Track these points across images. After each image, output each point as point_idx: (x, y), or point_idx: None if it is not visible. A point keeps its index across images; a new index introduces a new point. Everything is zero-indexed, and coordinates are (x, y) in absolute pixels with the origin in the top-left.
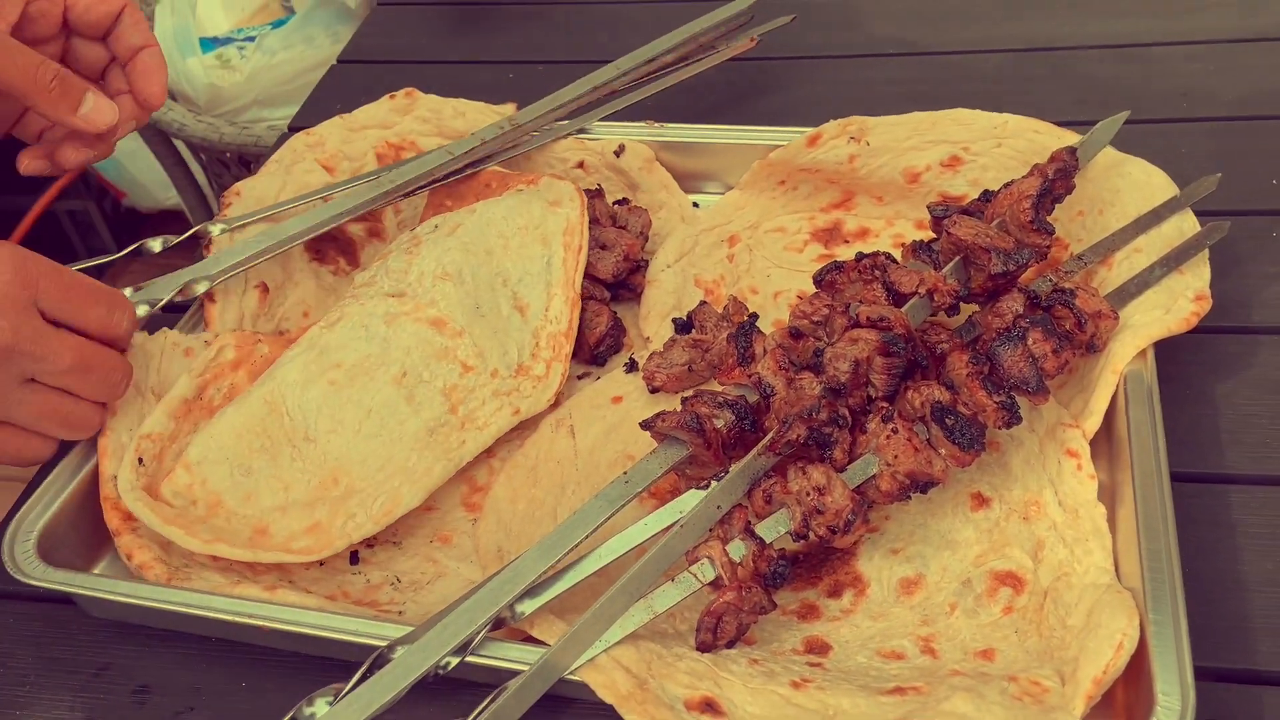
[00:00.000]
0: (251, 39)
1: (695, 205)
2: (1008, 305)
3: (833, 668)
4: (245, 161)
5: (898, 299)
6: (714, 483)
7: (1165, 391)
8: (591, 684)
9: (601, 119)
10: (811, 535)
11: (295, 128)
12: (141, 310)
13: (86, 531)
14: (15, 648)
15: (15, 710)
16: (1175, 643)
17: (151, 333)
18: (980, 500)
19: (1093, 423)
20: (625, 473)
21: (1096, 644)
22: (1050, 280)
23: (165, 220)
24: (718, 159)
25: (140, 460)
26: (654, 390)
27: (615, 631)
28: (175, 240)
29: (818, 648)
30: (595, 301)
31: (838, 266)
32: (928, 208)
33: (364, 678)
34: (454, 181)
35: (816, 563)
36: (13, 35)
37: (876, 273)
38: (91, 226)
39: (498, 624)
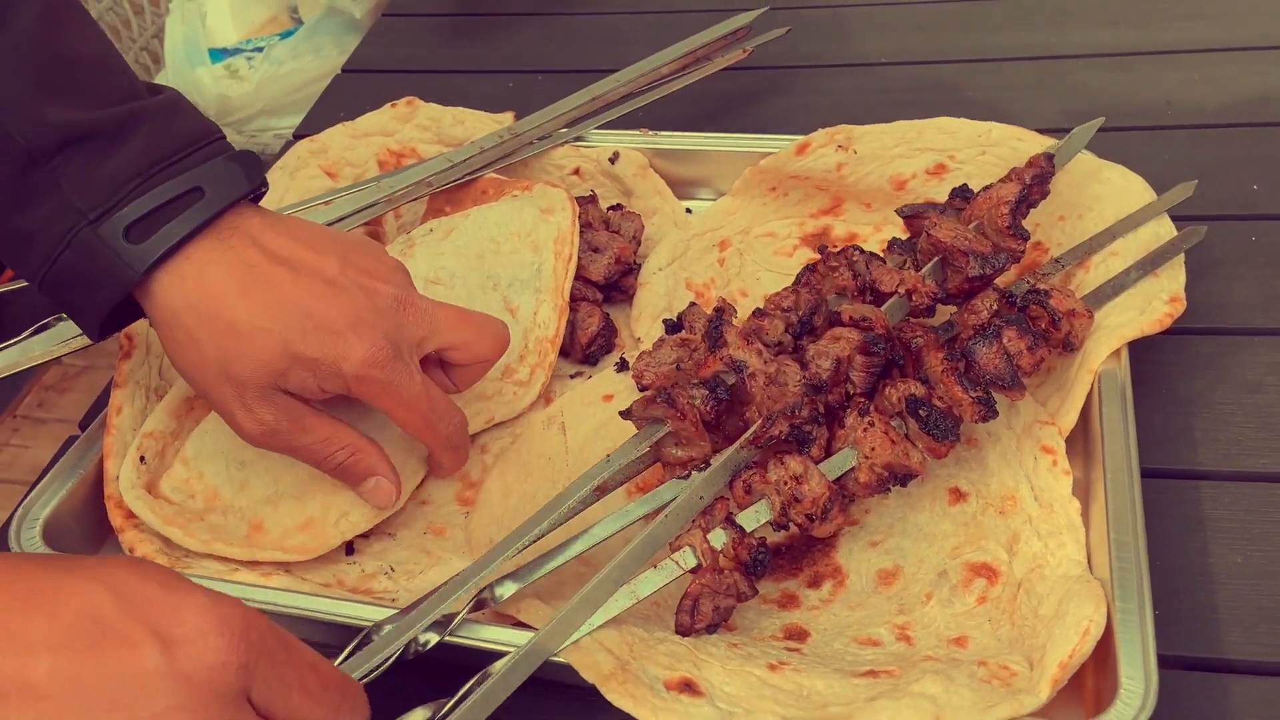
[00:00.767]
0: (260, 50)
1: (688, 211)
2: (982, 303)
3: (810, 653)
4: None
5: (877, 298)
6: (695, 473)
7: (1141, 391)
8: (575, 664)
9: (597, 127)
10: (790, 524)
11: (300, 135)
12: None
13: (90, 524)
14: None
15: None
16: (1140, 630)
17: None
18: (958, 495)
19: (1068, 420)
20: (608, 455)
21: (1064, 630)
22: (1028, 282)
23: None
24: (710, 166)
25: (142, 459)
26: (643, 389)
27: (599, 616)
28: None
29: (796, 634)
30: (588, 303)
31: (812, 268)
32: (896, 211)
33: (350, 656)
34: (453, 187)
35: (798, 555)
36: None
37: (845, 263)
38: None
39: (479, 605)
